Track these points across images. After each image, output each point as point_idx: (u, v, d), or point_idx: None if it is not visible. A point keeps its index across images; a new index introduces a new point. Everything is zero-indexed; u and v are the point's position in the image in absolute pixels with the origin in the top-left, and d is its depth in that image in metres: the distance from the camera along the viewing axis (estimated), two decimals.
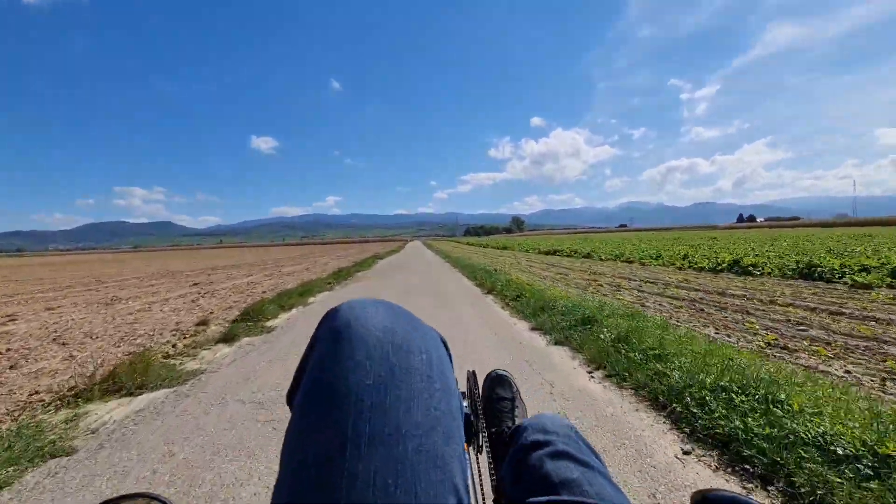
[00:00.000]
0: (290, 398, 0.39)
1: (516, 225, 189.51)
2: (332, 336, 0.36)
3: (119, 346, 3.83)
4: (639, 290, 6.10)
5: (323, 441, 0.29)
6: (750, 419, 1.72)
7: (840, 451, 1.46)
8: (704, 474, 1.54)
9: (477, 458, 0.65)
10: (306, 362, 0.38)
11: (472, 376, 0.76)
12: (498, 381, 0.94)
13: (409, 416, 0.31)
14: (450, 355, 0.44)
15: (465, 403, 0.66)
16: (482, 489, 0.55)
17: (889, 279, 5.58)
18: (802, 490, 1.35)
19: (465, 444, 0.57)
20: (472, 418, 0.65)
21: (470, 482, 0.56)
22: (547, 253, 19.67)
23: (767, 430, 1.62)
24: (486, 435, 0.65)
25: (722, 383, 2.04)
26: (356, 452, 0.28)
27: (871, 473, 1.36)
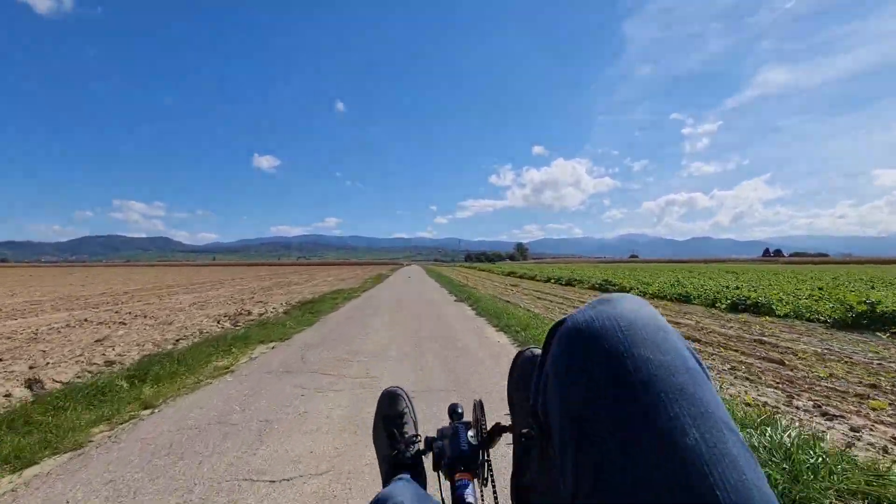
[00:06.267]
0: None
1: (520, 252, 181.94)
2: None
3: None
4: None
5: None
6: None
7: None
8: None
9: (481, 490, 0.62)
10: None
11: (478, 405, 0.69)
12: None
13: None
14: None
15: (470, 433, 0.65)
16: None
17: None
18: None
19: (470, 475, 0.58)
20: (478, 449, 0.62)
21: None
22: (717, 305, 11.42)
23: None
24: (490, 466, 0.61)
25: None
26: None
27: None
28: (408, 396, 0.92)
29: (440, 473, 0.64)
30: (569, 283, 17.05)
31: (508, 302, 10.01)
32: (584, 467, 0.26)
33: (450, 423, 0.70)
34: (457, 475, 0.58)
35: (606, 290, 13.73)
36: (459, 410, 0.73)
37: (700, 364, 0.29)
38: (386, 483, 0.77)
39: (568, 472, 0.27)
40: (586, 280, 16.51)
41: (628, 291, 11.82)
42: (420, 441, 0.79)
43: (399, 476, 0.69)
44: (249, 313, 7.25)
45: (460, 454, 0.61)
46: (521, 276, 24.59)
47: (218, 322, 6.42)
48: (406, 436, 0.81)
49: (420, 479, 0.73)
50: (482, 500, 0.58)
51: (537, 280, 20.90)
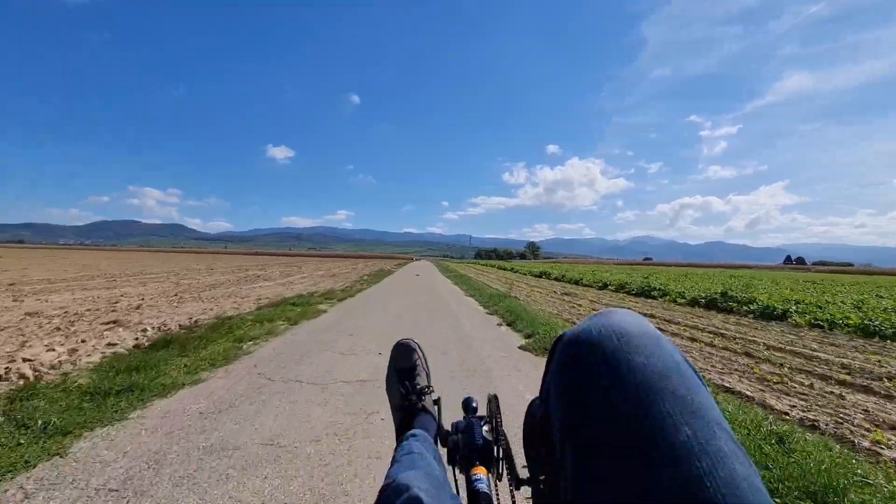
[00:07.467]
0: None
1: (531, 251, 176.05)
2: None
3: None
4: None
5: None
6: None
7: None
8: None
9: (496, 485, 0.59)
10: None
11: (493, 400, 0.67)
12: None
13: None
14: None
15: (485, 428, 0.64)
16: None
17: None
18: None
19: (485, 470, 0.58)
20: (493, 444, 0.61)
21: None
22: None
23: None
24: (507, 460, 0.58)
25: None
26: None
27: None
28: (420, 349, 0.92)
29: (455, 468, 0.64)
30: (644, 294, 12.06)
31: None
32: (583, 472, 0.28)
33: (464, 418, 0.68)
34: (472, 469, 0.57)
35: (727, 310, 8.77)
36: (474, 405, 0.72)
37: (693, 370, 0.32)
38: (399, 431, 0.78)
39: (569, 477, 0.29)
40: (672, 290, 11.48)
41: (774, 313, 6.75)
42: (432, 392, 0.83)
43: (413, 433, 0.69)
44: None
45: (475, 448, 0.60)
46: (558, 280, 19.41)
47: None
48: (418, 387, 0.82)
49: (434, 422, 0.76)
50: (497, 494, 0.56)
51: (588, 286, 15.89)
